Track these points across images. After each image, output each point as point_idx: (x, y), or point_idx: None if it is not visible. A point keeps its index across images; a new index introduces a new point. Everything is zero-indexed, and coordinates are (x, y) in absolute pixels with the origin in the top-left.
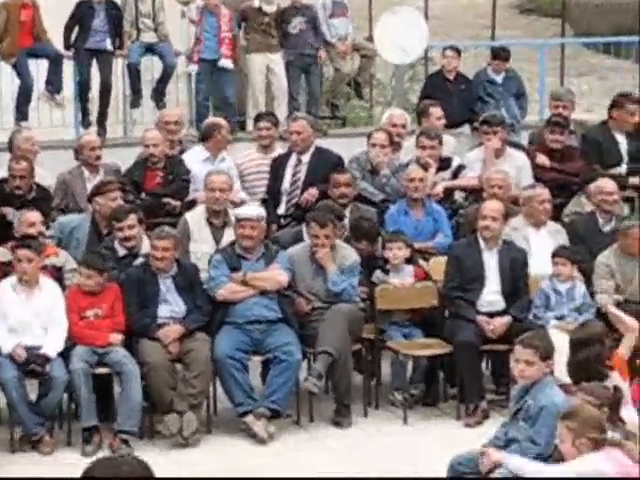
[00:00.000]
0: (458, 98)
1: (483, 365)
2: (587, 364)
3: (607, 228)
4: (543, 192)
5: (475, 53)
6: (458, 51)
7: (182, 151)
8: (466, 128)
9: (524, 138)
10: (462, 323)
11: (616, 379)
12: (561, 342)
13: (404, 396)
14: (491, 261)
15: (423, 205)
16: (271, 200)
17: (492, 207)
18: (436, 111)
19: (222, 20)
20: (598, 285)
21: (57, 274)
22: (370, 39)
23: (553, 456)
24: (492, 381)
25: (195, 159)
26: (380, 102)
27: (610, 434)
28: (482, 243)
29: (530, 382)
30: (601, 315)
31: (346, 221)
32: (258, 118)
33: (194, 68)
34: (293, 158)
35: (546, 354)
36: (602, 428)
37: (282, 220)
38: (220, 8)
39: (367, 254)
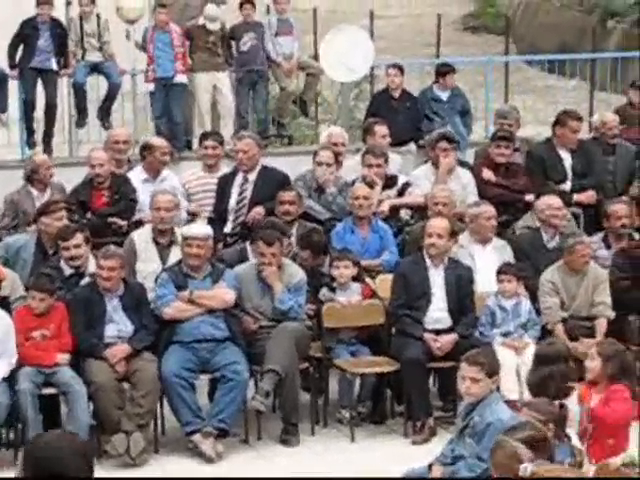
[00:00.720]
0: (404, 116)
1: (430, 382)
2: (550, 381)
3: (552, 244)
4: (489, 209)
5: (421, 71)
6: (401, 69)
7: (129, 170)
8: (412, 146)
9: (469, 156)
10: (409, 340)
11: (573, 400)
12: (507, 359)
13: (351, 414)
14: (437, 278)
15: (369, 223)
16: (217, 218)
17: (438, 225)
18: (381, 129)
19: (174, 36)
20: (543, 302)
21: (3, 302)
22: (316, 57)
23: None
24: (439, 398)
25: (136, 179)
26: (326, 120)
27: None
28: (428, 261)
29: (476, 399)
30: (547, 332)
31: (292, 239)
32: (203, 137)
33: (149, 87)
34: (239, 177)
35: (492, 371)
36: (543, 450)
37: (228, 239)
38: (170, 24)
39: (312, 267)
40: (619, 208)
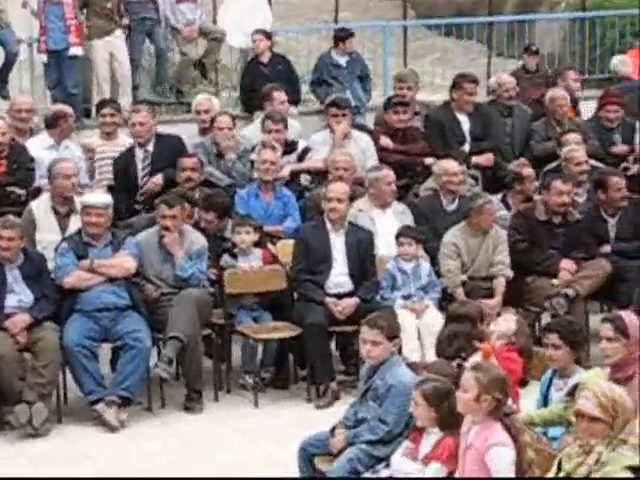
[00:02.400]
0: (278, 79)
1: (332, 346)
2: (454, 339)
3: (451, 207)
4: (388, 173)
5: (319, 36)
6: (266, 34)
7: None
8: (291, 110)
9: (369, 120)
10: (311, 305)
11: (478, 358)
12: (408, 321)
13: (255, 380)
14: (338, 243)
15: (273, 189)
16: (126, 191)
17: (337, 189)
18: (279, 95)
19: (66, 8)
20: (444, 265)
21: None
22: (215, 22)
23: None
24: (341, 362)
25: (39, 146)
26: (226, 87)
27: (509, 404)
28: (329, 225)
29: (378, 362)
30: (448, 294)
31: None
32: (100, 105)
33: (43, 58)
34: (139, 152)
35: (392, 334)
36: (507, 392)
37: (137, 207)
38: None
39: (214, 232)
40: (531, 171)
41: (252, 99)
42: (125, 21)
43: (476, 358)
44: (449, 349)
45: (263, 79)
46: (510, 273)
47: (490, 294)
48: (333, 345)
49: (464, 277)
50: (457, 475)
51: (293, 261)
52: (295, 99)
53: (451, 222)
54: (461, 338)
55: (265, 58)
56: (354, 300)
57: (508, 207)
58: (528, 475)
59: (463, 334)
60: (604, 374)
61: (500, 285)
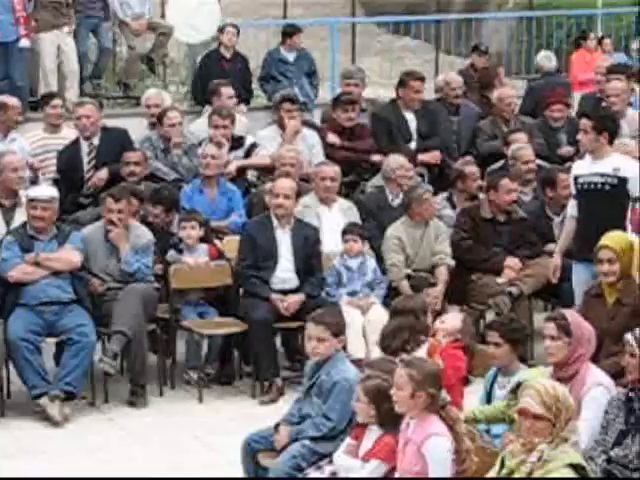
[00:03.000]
0: (234, 76)
1: (277, 342)
2: (398, 333)
3: (396, 202)
4: (328, 169)
5: (268, 32)
6: (237, 29)
7: None
8: (242, 107)
9: (316, 117)
10: (256, 301)
11: (422, 354)
12: (353, 318)
13: (199, 375)
14: (284, 239)
15: (217, 184)
16: (71, 186)
17: (284, 185)
18: (227, 90)
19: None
20: (388, 259)
21: None
22: (164, 17)
23: None
24: (286, 358)
25: None
26: (174, 82)
27: (443, 395)
28: (275, 221)
29: (323, 358)
30: (393, 289)
31: None
32: (46, 98)
33: None
34: (84, 145)
35: (338, 331)
36: (441, 386)
37: (83, 199)
38: None
39: (162, 227)
40: (475, 170)
41: (205, 93)
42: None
43: (421, 352)
44: (393, 343)
45: (222, 74)
46: (452, 262)
47: (434, 285)
48: (278, 341)
49: (408, 270)
50: (398, 472)
51: (239, 257)
52: (248, 97)
53: (396, 217)
54: (405, 332)
55: (228, 53)
56: (299, 296)
57: (454, 206)
58: (467, 464)
59: (407, 328)
60: (547, 372)
61: (442, 274)
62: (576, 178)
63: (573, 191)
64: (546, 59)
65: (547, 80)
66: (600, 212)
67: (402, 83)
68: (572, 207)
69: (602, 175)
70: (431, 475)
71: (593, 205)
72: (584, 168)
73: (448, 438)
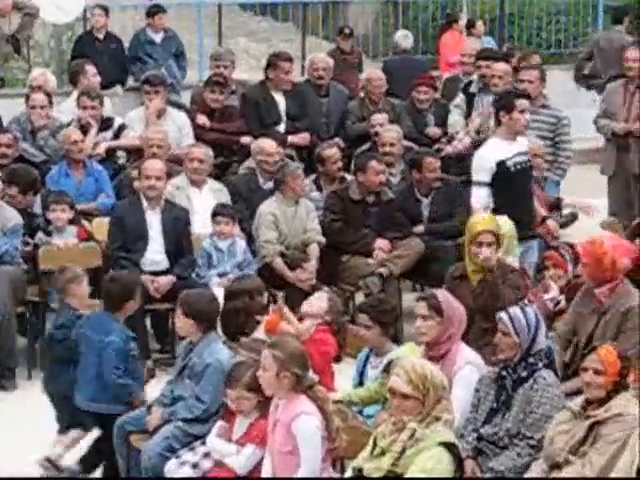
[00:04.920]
0: (109, 57)
1: (147, 324)
2: (234, 314)
3: (267, 185)
4: (195, 150)
5: (134, 13)
6: (106, 10)
7: None
8: (118, 88)
9: (185, 98)
10: None
11: (261, 333)
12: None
13: None
14: (154, 221)
15: (84, 166)
16: None
17: (153, 166)
18: (91, 68)
19: None
20: (262, 235)
21: None
22: None
23: None
24: (156, 340)
25: None
26: (38, 63)
27: (310, 375)
28: (145, 203)
29: (194, 339)
30: (266, 267)
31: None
32: None
33: None
34: None
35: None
36: (306, 366)
37: None
38: None
39: (22, 207)
40: (334, 152)
41: None
42: None
43: (259, 333)
44: (231, 326)
45: (95, 55)
46: (322, 239)
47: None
48: (148, 323)
49: (282, 248)
50: (268, 453)
51: (109, 239)
52: (122, 79)
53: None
54: (241, 314)
55: (101, 35)
56: (170, 278)
57: (320, 189)
58: (337, 442)
59: (243, 309)
60: (418, 350)
61: (314, 250)
62: (501, 163)
63: (486, 179)
64: (403, 38)
65: (403, 58)
66: (528, 190)
67: (271, 64)
68: (483, 198)
69: (525, 154)
70: (302, 454)
71: (524, 184)
72: (505, 151)
73: (317, 417)
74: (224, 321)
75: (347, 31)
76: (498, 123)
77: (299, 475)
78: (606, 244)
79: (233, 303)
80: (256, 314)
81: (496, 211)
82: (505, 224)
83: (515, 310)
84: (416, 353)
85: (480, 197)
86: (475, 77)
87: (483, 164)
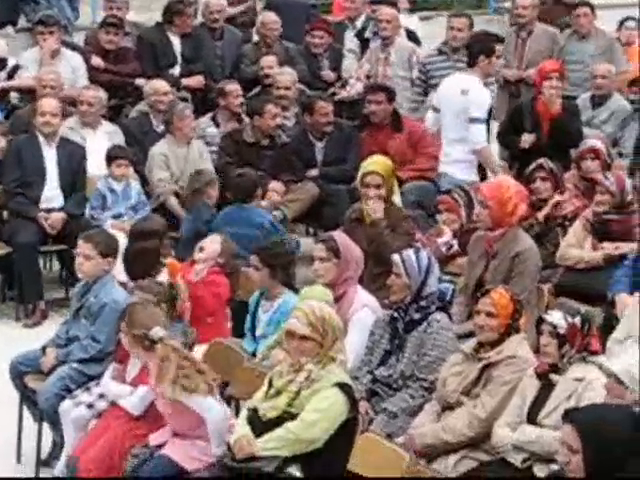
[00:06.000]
0: None
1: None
2: (142, 255)
3: (161, 128)
4: (89, 94)
5: None
6: None
7: None
8: (9, 29)
9: (78, 40)
10: (23, 223)
11: (165, 275)
12: (119, 240)
13: None
14: (50, 156)
15: None
16: None
17: (50, 104)
18: None
19: None
20: (155, 175)
21: None
22: None
23: None
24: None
25: None
26: None
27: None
28: (41, 139)
29: (90, 278)
30: (160, 208)
31: None
32: None
33: None
34: None
35: (106, 251)
36: (147, 327)
37: None
38: None
39: None
40: (235, 87)
41: None
42: None
43: (163, 276)
44: (137, 267)
45: None
46: (216, 177)
47: None
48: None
49: (176, 187)
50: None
51: (5, 176)
52: (14, 19)
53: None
54: (150, 255)
55: None
56: (62, 214)
57: (218, 125)
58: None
59: (152, 250)
60: (325, 289)
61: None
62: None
63: (486, 116)
64: None
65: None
66: None
67: (175, 11)
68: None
69: None
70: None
71: None
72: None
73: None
74: (131, 262)
75: None
76: (473, 64)
77: (208, 423)
78: (511, 189)
79: (142, 244)
80: (163, 256)
81: None
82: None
83: (408, 252)
84: (327, 295)
85: (482, 136)
86: (361, 20)
87: (482, 101)
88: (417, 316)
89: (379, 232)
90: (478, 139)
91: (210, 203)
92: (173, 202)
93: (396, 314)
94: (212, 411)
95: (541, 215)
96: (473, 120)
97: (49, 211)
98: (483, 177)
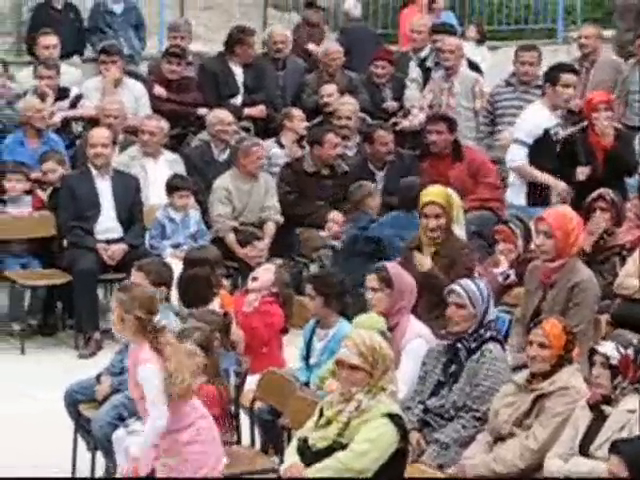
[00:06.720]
0: (67, 27)
1: (101, 295)
2: (193, 282)
3: (222, 157)
4: (150, 123)
5: None
6: None
7: None
8: (76, 59)
9: (144, 70)
10: (81, 252)
11: (216, 305)
12: (177, 270)
13: (22, 327)
14: (104, 188)
15: (40, 136)
16: None
17: (100, 134)
18: (46, 39)
19: None
20: (215, 210)
21: None
22: None
23: None
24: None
25: None
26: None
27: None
28: (94, 171)
29: None
30: (217, 240)
31: None
32: None
33: None
34: None
35: (159, 280)
36: (151, 310)
37: None
38: None
39: None
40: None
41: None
42: None
43: (215, 304)
44: (189, 294)
45: (53, 25)
46: (280, 218)
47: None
48: (101, 293)
49: (235, 223)
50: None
51: (60, 209)
52: (80, 49)
53: (222, 172)
54: (201, 282)
55: (59, 5)
56: (122, 245)
57: (283, 146)
58: (173, 380)
59: (203, 278)
60: (379, 318)
61: (270, 229)
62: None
63: (527, 139)
64: (353, 7)
65: (354, 26)
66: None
67: (237, 40)
68: (520, 156)
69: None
70: (148, 398)
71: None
72: (547, 119)
73: (155, 363)
74: (184, 288)
75: (317, 4)
76: (543, 93)
77: (150, 419)
78: (574, 219)
79: (193, 271)
80: (215, 286)
81: None
82: (453, 194)
83: (467, 282)
84: (378, 323)
85: (516, 155)
86: (426, 51)
87: (524, 123)
88: (474, 345)
89: (442, 263)
90: (512, 157)
91: (369, 212)
92: (231, 239)
93: (458, 344)
94: (161, 415)
95: (588, 244)
96: (515, 140)
97: (108, 242)
98: (534, 202)
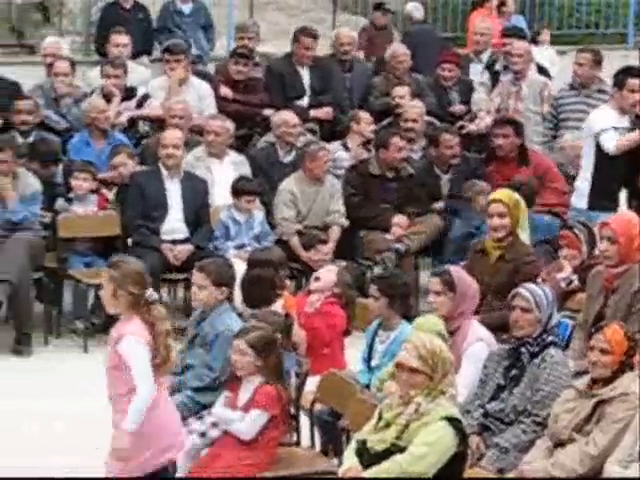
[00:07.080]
0: (135, 27)
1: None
2: (257, 283)
3: (287, 159)
4: (216, 124)
5: None
6: None
7: None
8: (144, 59)
9: (212, 70)
10: (146, 251)
11: (279, 306)
12: (240, 271)
13: (85, 325)
14: (173, 189)
15: (106, 135)
16: None
17: (172, 136)
18: (117, 38)
19: None
20: (280, 212)
21: None
22: None
23: None
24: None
25: None
26: (70, 32)
27: (148, 293)
28: (164, 172)
29: (205, 307)
30: (281, 242)
31: None
32: None
33: None
34: None
35: (219, 280)
36: (143, 285)
37: None
38: None
39: (43, 178)
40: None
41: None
42: None
43: (277, 305)
44: (252, 295)
45: (122, 25)
46: (345, 222)
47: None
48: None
49: (299, 226)
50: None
51: (127, 207)
52: (148, 49)
53: (287, 174)
54: (265, 282)
55: (128, 4)
56: (189, 247)
57: (348, 149)
58: (160, 358)
59: (267, 279)
60: (438, 320)
61: (335, 233)
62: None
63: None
64: (415, 9)
65: (418, 29)
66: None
67: (295, 39)
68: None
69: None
70: (133, 373)
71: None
72: (613, 120)
73: (143, 335)
74: (247, 289)
75: (386, 7)
76: (611, 96)
77: (137, 394)
78: (638, 225)
79: (257, 272)
80: (279, 287)
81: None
82: (520, 199)
83: (532, 286)
84: (437, 325)
85: (608, 141)
86: (487, 54)
87: (596, 123)
88: (536, 349)
89: (506, 267)
90: (607, 145)
91: (479, 210)
92: (295, 242)
93: (522, 348)
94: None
95: None
96: (595, 135)
97: (173, 242)
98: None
